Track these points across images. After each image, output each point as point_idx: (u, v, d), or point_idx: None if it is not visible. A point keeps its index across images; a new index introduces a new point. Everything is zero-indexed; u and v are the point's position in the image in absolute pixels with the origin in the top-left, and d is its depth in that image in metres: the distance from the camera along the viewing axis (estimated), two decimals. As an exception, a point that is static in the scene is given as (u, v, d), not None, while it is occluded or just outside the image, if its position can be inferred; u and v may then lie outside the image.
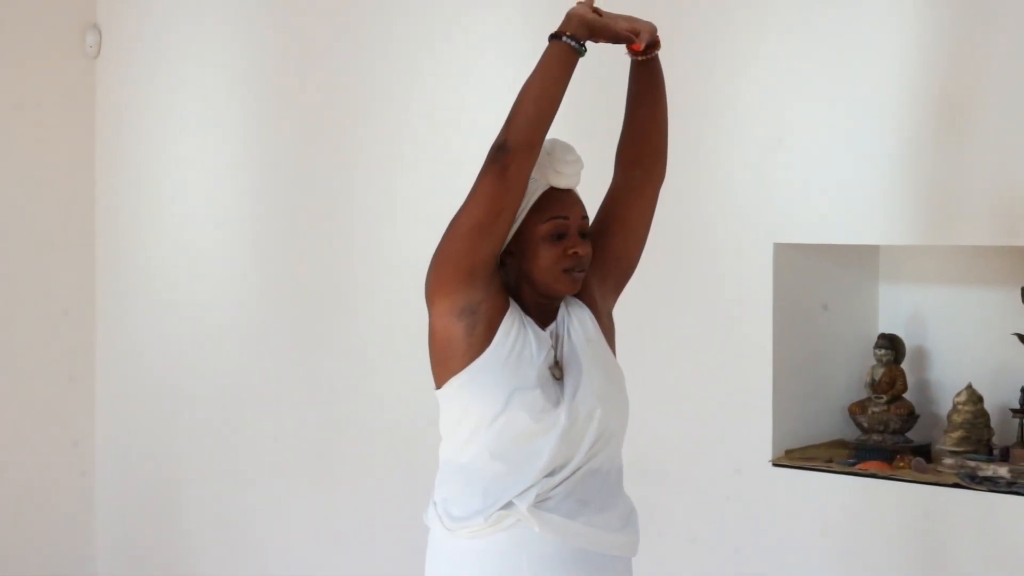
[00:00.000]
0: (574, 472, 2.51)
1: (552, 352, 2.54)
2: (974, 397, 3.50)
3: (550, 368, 2.52)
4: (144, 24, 5.15)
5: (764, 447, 3.59)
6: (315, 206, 4.66)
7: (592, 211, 2.63)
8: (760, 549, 3.61)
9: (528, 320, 2.54)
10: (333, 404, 4.61)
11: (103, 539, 5.32)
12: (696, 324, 3.71)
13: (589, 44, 2.51)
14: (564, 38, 2.47)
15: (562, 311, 2.59)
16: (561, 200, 2.53)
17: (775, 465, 3.58)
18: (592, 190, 2.62)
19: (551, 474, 2.49)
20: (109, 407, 5.30)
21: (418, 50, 4.34)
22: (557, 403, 2.50)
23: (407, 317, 4.29)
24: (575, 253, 2.52)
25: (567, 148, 2.54)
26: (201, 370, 4.99)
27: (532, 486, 2.48)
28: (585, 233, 2.56)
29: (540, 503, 2.49)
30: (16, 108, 5.08)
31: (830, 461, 3.56)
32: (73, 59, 5.20)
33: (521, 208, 2.50)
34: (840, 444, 3.70)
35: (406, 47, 4.37)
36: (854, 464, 3.53)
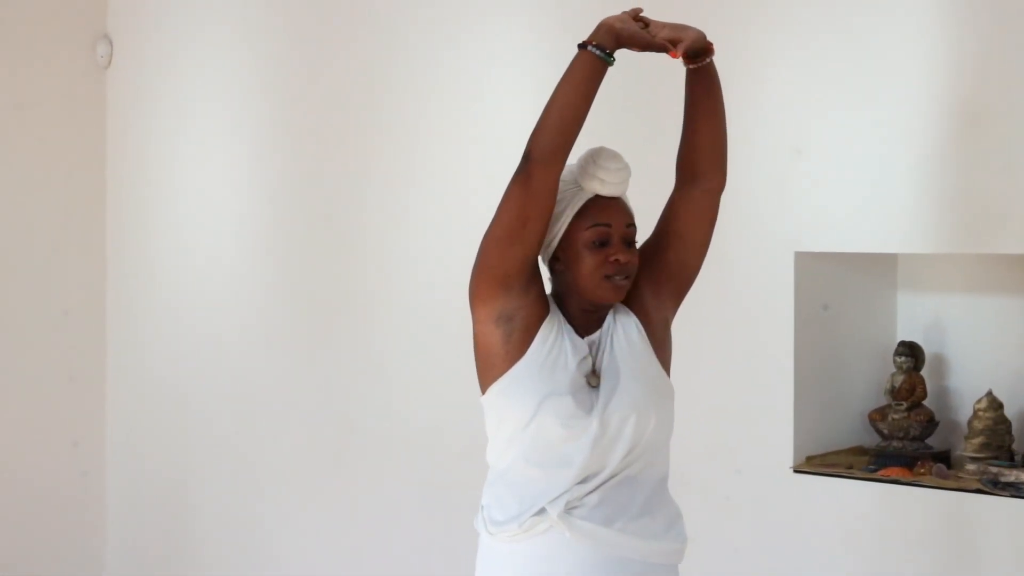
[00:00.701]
0: (607, 480, 2.50)
1: (590, 360, 2.53)
2: (994, 403, 3.52)
3: (586, 376, 2.51)
4: (154, 34, 5.16)
5: (785, 454, 3.61)
6: (326, 212, 4.66)
7: (643, 220, 2.61)
8: (781, 555, 3.62)
9: (567, 328, 2.53)
10: (344, 408, 4.61)
11: (113, 541, 5.33)
12: (718, 332, 3.72)
13: (632, 53, 2.50)
14: (590, 47, 2.45)
15: (609, 320, 2.57)
16: (605, 207, 2.51)
17: (796, 471, 3.59)
18: (636, 199, 2.61)
19: (583, 481, 2.49)
20: (120, 409, 5.30)
21: (431, 58, 4.35)
22: (590, 410, 2.49)
23: (418, 323, 4.34)
24: (616, 260, 2.49)
25: (612, 156, 2.51)
26: (211, 374, 5.00)
27: (564, 493, 2.48)
28: (630, 241, 2.54)
29: (571, 510, 2.49)
30: (28, 116, 5.09)
31: (851, 467, 3.58)
32: (84, 68, 5.22)
33: (566, 215, 2.50)
34: (860, 451, 3.72)
35: (419, 54, 4.38)
36: (875, 470, 3.54)
